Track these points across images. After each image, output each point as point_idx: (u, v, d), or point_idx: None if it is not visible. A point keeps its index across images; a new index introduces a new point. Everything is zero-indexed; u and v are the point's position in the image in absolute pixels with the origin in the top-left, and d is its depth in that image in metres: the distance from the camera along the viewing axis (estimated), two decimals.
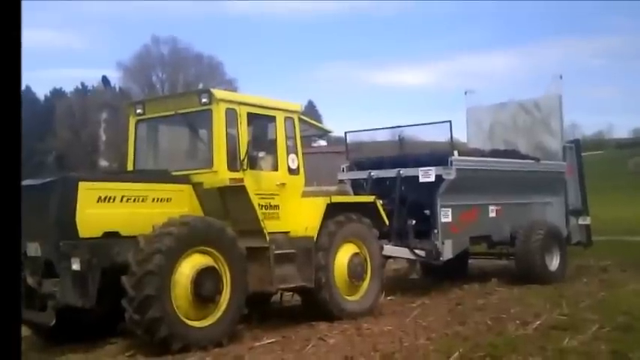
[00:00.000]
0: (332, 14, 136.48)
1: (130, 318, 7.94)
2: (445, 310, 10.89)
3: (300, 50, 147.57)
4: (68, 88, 74.71)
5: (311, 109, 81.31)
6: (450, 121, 12.82)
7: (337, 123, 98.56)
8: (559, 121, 15.64)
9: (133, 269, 7.91)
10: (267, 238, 9.44)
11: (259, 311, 9.83)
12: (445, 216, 12.72)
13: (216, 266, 8.53)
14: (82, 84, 71.38)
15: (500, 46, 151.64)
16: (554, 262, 14.14)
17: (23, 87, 70.41)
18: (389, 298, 12.08)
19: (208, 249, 8.50)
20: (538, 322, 9.32)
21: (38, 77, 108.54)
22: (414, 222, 12.71)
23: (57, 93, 73.21)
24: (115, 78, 62.07)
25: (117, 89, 59.79)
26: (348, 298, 10.38)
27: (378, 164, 13.84)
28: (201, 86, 53.15)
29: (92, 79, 70.80)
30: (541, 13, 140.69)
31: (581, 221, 15.81)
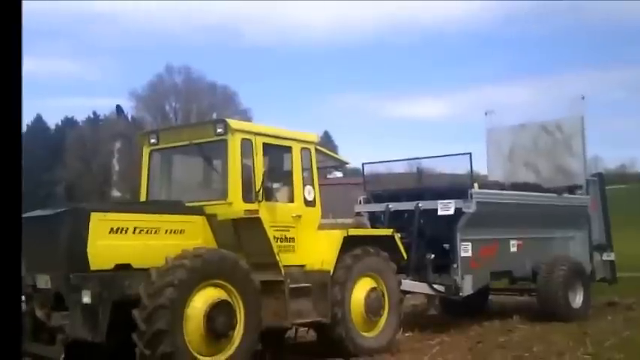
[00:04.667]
0: (348, 45, 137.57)
1: (140, 353, 7.76)
2: (465, 347, 10.63)
3: (317, 81, 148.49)
4: (80, 117, 75.11)
5: (327, 140, 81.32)
6: (470, 154, 12.66)
7: (354, 154, 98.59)
8: (581, 142, 15.22)
9: (144, 302, 7.75)
10: (282, 271, 9.27)
11: (273, 347, 9.64)
12: (465, 250, 12.44)
13: (230, 300, 8.35)
14: (94, 113, 71.78)
15: (518, 79, 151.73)
16: (577, 299, 13.78)
17: (34, 116, 71.11)
18: (407, 334, 11.82)
19: (222, 282, 8.33)
20: None
21: (50, 106, 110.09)
22: (432, 256, 12.47)
23: (68, 122, 73.61)
24: (128, 107, 62.33)
25: (130, 119, 60.06)
26: (365, 334, 10.17)
27: (396, 196, 13.64)
28: (215, 116, 53.17)
29: (105, 108, 71.07)
30: (560, 45, 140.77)
31: (605, 257, 15.40)
